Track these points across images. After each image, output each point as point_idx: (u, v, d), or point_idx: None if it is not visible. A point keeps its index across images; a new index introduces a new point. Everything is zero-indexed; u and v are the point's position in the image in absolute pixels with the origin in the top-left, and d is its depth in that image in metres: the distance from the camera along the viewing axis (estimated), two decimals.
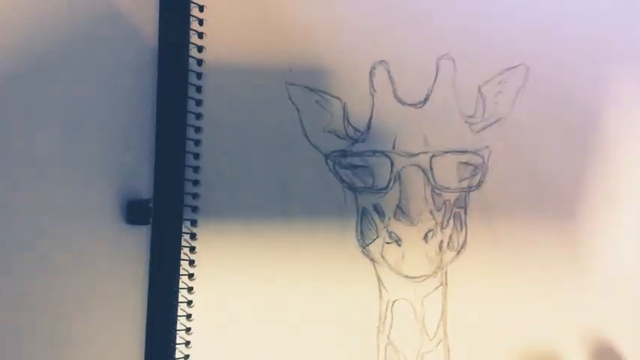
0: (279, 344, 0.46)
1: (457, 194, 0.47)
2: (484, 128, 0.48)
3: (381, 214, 0.47)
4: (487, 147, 0.48)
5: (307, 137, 0.47)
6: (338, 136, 0.47)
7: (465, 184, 0.47)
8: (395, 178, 0.47)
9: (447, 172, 0.47)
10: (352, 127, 0.47)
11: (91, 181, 0.42)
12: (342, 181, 0.47)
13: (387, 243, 0.47)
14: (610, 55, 0.48)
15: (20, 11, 0.37)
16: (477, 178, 0.47)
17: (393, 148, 0.47)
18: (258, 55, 0.47)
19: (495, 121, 0.48)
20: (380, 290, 0.47)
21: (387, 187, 0.47)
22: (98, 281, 0.42)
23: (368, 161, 0.47)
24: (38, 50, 0.38)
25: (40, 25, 0.38)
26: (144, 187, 0.46)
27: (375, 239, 0.47)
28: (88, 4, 0.42)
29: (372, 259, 0.47)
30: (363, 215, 0.47)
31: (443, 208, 0.47)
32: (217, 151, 0.47)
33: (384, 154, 0.47)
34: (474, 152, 0.47)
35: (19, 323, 0.36)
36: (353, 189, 0.47)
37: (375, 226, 0.47)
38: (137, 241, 0.45)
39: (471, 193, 0.47)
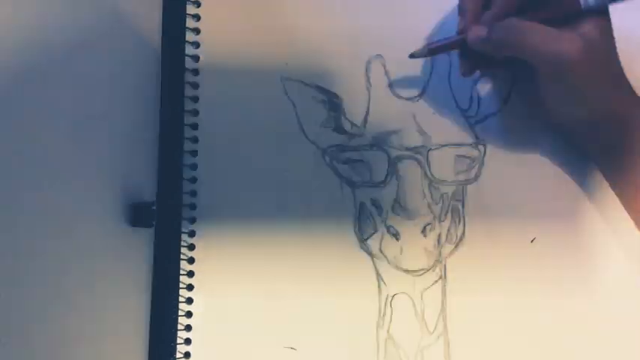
0: (279, 340, 0.46)
1: (454, 187, 0.47)
2: (480, 121, 0.48)
3: (379, 208, 0.47)
4: (483, 140, 0.48)
5: (304, 132, 0.47)
6: (335, 131, 0.47)
7: (462, 177, 0.47)
8: (392, 172, 0.47)
9: (444, 166, 0.47)
10: (349, 121, 0.48)
11: (94, 182, 0.42)
12: (340, 175, 0.47)
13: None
14: None
15: (24, 13, 0.36)
16: (474, 170, 0.47)
17: (390, 142, 0.47)
18: (254, 50, 0.48)
19: (491, 115, 0.48)
20: (379, 285, 0.47)
21: (385, 181, 0.47)
22: (101, 282, 0.42)
23: (365, 156, 0.47)
24: (43, 52, 0.38)
25: (44, 27, 0.38)
26: (147, 189, 0.46)
27: (373, 234, 0.47)
28: (92, 6, 0.42)
29: (370, 254, 0.47)
30: (361, 210, 0.47)
31: (440, 202, 0.47)
32: (214, 148, 0.47)
33: (381, 148, 0.47)
34: (471, 145, 0.48)
35: (22, 324, 0.35)
36: (350, 184, 0.47)
37: (373, 220, 0.47)
38: (140, 243, 0.45)
39: (468, 185, 0.47)
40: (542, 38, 0.40)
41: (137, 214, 0.45)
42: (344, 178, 0.47)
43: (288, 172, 0.47)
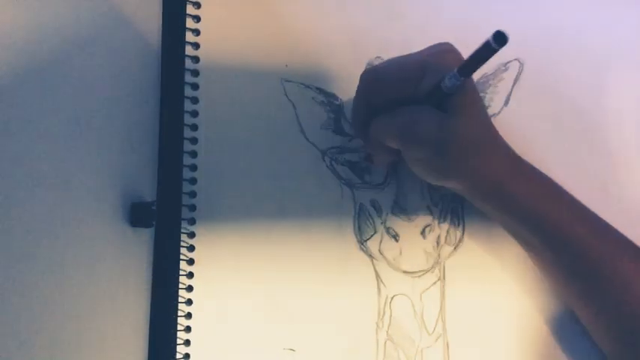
0: (279, 341, 0.46)
1: None
2: None
3: (378, 209, 0.47)
4: None
5: (304, 134, 0.47)
6: (334, 133, 0.47)
7: None
8: (392, 174, 0.47)
9: None
10: (349, 123, 0.47)
11: (94, 182, 0.42)
12: (339, 177, 0.47)
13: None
14: (604, 48, 0.48)
15: (23, 13, 0.36)
16: None
17: None
18: (254, 52, 0.47)
19: (491, 116, 0.48)
20: (378, 286, 0.47)
21: (384, 182, 0.47)
22: (101, 282, 0.42)
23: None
24: (42, 53, 0.38)
25: (44, 27, 0.38)
26: (147, 189, 0.45)
27: (372, 235, 0.47)
28: (92, 7, 0.42)
29: (370, 255, 0.47)
30: (360, 211, 0.47)
31: (440, 203, 0.47)
32: (214, 148, 0.47)
33: None
34: None
35: (22, 324, 0.35)
36: (350, 185, 0.47)
37: (373, 222, 0.47)
38: (140, 243, 0.45)
39: None
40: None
41: (137, 214, 0.45)
42: (343, 180, 0.47)
43: (287, 174, 0.47)
